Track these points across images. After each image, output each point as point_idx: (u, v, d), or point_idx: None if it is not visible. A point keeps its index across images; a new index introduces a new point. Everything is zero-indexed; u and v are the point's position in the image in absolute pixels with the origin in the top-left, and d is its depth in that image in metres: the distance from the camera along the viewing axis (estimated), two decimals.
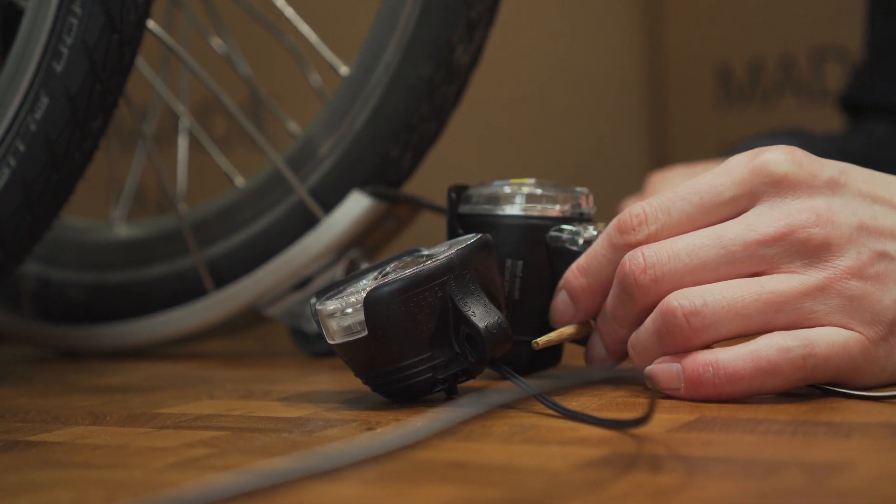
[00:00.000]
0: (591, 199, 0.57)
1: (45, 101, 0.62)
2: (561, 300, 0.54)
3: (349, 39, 0.81)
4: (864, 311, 0.46)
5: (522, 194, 0.55)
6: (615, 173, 1.19)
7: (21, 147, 0.62)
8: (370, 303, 0.49)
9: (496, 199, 0.55)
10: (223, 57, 0.86)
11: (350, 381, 0.63)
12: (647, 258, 0.48)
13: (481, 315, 0.49)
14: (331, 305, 0.51)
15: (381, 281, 0.50)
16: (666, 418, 0.45)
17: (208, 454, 0.43)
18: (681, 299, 0.47)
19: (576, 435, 0.43)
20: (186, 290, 0.76)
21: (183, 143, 0.87)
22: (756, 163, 0.48)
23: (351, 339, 0.50)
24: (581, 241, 0.54)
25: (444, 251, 0.51)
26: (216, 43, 0.86)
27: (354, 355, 0.51)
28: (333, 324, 0.50)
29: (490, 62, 0.78)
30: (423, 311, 0.49)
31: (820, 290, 0.46)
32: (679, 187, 0.49)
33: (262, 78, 0.93)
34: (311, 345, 0.73)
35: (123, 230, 0.83)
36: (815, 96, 1.10)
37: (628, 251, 0.49)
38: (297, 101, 1.05)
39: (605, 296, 0.52)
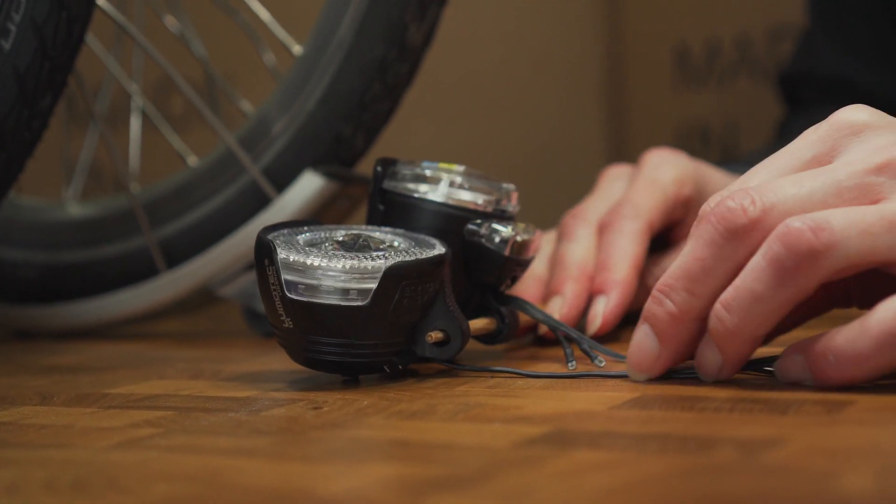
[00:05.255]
0: (515, 197, 0.55)
1: None
2: (643, 334, 0.46)
3: (303, 18, 0.80)
4: None
5: (447, 181, 0.53)
6: (573, 152, 1.19)
7: None
8: (391, 275, 0.48)
9: (420, 181, 0.54)
10: (177, 36, 0.86)
11: None
12: (753, 193, 0.43)
13: (460, 315, 0.50)
14: (318, 261, 0.48)
15: (391, 255, 0.48)
16: (608, 396, 0.45)
17: (153, 434, 0.43)
18: (803, 218, 0.42)
19: (519, 413, 0.43)
20: (139, 270, 0.76)
21: (135, 123, 0.86)
22: (832, 119, 0.46)
23: (337, 303, 0.48)
24: (497, 240, 0.52)
25: (406, 244, 0.50)
26: (170, 21, 0.86)
27: (324, 318, 0.48)
28: (318, 282, 0.48)
29: (443, 41, 0.78)
30: (423, 297, 0.49)
31: None
32: (754, 170, 0.46)
33: (218, 57, 0.92)
34: (263, 324, 0.73)
35: (76, 209, 0.83)
36: (770, 77, 1.11)
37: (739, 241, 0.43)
38: (253, 80, 1.04)
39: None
